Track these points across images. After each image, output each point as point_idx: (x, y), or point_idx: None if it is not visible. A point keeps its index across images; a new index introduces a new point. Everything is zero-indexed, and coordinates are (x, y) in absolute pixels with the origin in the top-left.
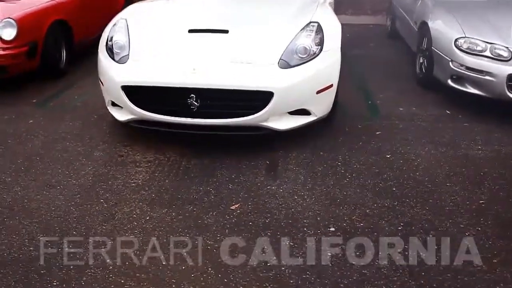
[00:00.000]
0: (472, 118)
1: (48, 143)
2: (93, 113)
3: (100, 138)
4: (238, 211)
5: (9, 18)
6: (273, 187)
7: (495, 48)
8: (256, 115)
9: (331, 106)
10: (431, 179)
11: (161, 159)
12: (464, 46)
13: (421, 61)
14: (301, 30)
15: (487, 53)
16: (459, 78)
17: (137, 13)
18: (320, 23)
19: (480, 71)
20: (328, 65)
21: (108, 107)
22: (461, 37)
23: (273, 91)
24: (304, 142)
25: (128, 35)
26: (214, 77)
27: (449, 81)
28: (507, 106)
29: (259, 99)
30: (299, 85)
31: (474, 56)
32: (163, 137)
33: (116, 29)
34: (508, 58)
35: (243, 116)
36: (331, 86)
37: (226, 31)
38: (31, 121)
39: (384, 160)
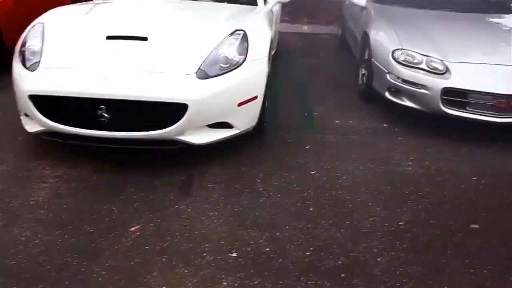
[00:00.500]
0: (409, 133)
1: None
2: (13, 124)
3: (13, 150)
4: (137, 233)
5: None
6: (182, 206)
7: (431, 61)
8: (169, 128)
9: (257, 118)
10: (353, 198)
11: (70, 174)
12: (401, 58)
13: (363, 73)
14: (225, 38)
15: (423, 66)
16: (396, 91)
17: (57, 17)
18: (246, 32)
19: (416, 84)
20: (251, 76)
21: (21, 117)
22: (398, 49)
23: (187, 103)
24: (227, 156)
25: (43, 41)
26: (125, 87)
27: (387, 94)
28: (445, 120)
29: (173, 111)
30: (217, 96)
31: (410, 69)
32: (80, 151)
33: (31, 34)
34: (443, 72)
35: (156, 129)
36: (255, 98)
37: (145, 39)
38: None
39: (308, 177)
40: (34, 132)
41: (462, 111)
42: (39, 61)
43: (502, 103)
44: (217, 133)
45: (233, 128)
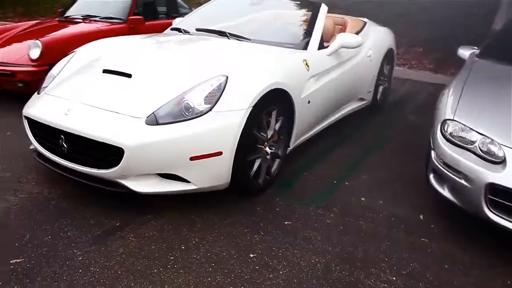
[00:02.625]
0: (446, 235)
1: None
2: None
3: (13, 166)
4: (12, 267)
5: (37, 39)
6: (79, 252)
7: (488, 143)
8: (109, 170)
9: (228, 177)
10: None
11: (39, 193)
12: (449, 132)
13: None
14: (201, 82)
15: (475, 147)
16: (440, 175)
17: (92, 47)
18: (230, 78)
19: (457, 171)
20: (214, 129)
21: None
22: (448, 119)
23: (123, 147)
24: (187, 211)
25: (63, 68)
26: (76, 122)
27: (431, 177)
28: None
29: (113, 153)
30: (162, 146)
31: (457, 149)
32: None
33: (61, 60)
34: (497, 161)
35: (100, 168)
36: (218, 153)
37: (129, 75)
38: None
39: (238, 261)
40: (30, 149)
41: None
42: (47, 86)
43: None
44: (168, 184)
45: (189, 183)
